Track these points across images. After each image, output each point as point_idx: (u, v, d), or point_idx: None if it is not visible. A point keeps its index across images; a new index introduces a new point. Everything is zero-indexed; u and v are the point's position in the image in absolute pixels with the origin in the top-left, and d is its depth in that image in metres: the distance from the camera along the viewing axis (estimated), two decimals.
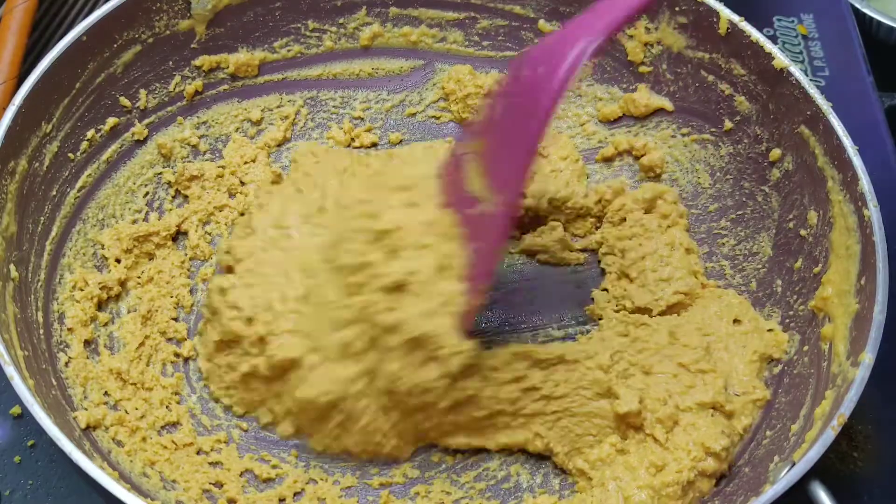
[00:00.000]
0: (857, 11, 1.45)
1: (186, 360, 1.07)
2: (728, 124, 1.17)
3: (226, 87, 1.23)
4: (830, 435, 0.86)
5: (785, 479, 0.84)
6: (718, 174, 1.18)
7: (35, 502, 1.01)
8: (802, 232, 1.08)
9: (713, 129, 1.19)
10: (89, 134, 1.11)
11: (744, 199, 1.16)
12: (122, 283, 1.09)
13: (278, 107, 1.25)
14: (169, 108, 1.19)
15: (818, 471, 0.86)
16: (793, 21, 1.43)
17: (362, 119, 1.27)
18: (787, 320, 1.06)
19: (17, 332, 0.94)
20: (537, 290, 1.15)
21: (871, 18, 1.45)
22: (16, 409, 1.06)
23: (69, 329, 1.02)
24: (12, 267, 0.97)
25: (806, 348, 1.02)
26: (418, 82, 1.29)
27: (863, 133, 1.04)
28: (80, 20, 1.27)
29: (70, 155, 1.09)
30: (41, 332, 0.99)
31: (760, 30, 1.14)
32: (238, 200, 1.17)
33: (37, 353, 0.96)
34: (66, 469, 1.02)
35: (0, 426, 1.05)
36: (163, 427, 1.01)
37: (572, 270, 1.16)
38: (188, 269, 1.13)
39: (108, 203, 1.12)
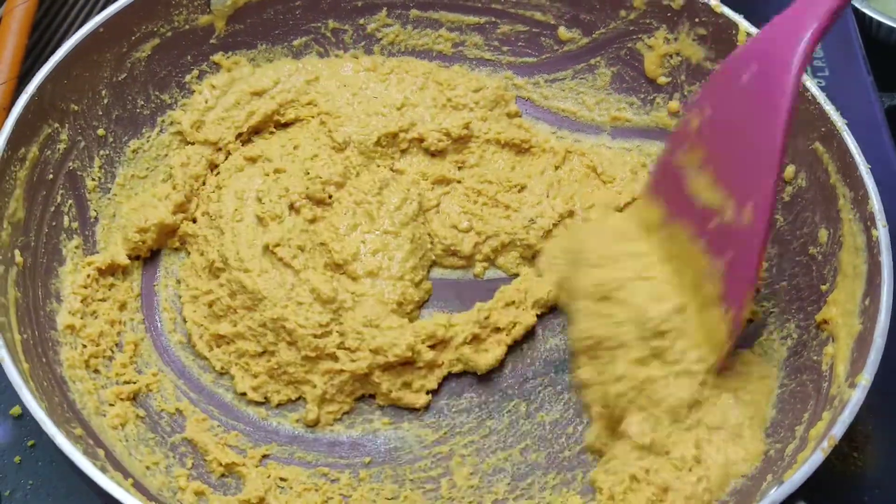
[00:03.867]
0: (857, 11, 1.44)
1: None
2: None
3: None
4: (819, 457, 0.84)
5: (769, 498, 0.83)
6: None
7: (35, 502, 1.02)
8: (812, 250, 1.06)
9: None
10: (104, 124, 1.12)
11: None
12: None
13: None
14: (184, 101, 1.20)
15: (811, 486, 0.85)
16: None
17: None
18: (791, 339, 1.05)
19: (16, 316, 0.95)
20: None
21: (871, 18, 1.43)
22: (16, 410, 1.06)
23: (69, 314, 1.03)
24: (17, 252, 0.99)
25: (807, 368, 1.00)
26: None
27: (863, 133, 1.03)
28: (80, 21, 1.29)
29: (83, 145, 1.10)
30: (42, 318, 1.00)
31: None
32: None
33: (35, 339, 0.97)
34: (66, 469, 1.02)
35: (0, 426, 1.06)
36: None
37: None
38: None
39: None
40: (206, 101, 1.18)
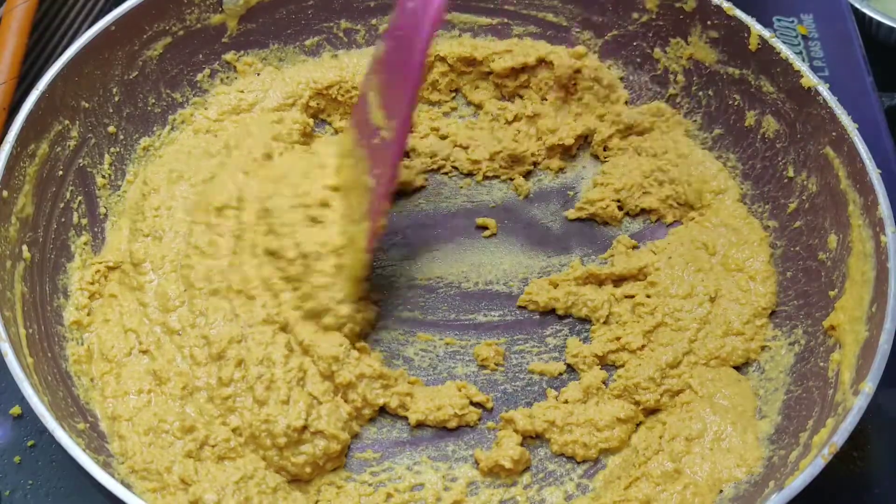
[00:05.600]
0: (857, 11, 1.43)
1: None
2: (756, 142, 1.15)
3: None
4: (820, 464, 0.84)
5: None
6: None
7: (35, 502, 1.02)
8: (821, 255, 1.05)
9: (741, 146, 1.17)
10: (114, 122, 1.13)
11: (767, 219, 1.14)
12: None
13: None
14: (195, 100, 1.20)
15: (811, 486, 0.84)
16: (793, 21, 1.41)
17: None
18: (799, 345, 1.04)
19: (22, 311, 0.95)
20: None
21: (871, 18, 1.42)
22: (16, 410, 1.06)
23: (76, 309, 1.03)
24: (25, 247, 0.99)
25: (814, 374, 0.99)
26: None
27: (863, 133, 1.03)
28: (80, 21, 1.30)
29: (93, 142, 1.11)
30: (49, 313, 1.01)
31: None
32: None
33: (41, 334, 0.97)
34: (66, 469, 1.03)
35: (0, 426, 1.06)
36: None
37: None
38: None
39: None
40: (241, 91, 1.21)
